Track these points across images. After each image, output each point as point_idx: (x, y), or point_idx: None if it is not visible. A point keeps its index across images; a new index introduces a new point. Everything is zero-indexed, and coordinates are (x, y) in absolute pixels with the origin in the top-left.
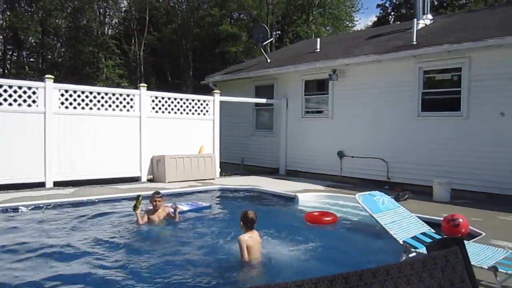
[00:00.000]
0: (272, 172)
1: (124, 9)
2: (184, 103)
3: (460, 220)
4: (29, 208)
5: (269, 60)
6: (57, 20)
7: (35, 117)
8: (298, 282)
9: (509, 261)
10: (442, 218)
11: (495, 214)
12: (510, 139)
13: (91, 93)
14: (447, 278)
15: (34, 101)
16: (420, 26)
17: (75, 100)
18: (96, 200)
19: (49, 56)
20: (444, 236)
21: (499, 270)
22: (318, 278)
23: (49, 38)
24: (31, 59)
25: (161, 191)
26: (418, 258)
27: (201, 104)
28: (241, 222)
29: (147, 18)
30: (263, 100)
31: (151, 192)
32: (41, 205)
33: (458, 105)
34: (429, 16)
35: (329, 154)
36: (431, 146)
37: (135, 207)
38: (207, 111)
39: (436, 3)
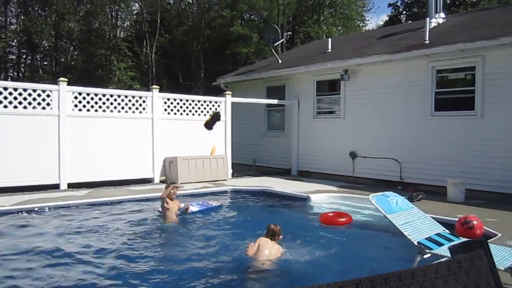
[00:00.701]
0: (284, 173)
1: (135, 12)
2: (196, 104)
3: (474, 222)
4: (47, 209)
5: (280, 61)
6: (70, 24)
7: (49, 119)
8: (325, 286)
9: None
10: (456, 219)
11: (511, 214)
12: None
13: (104, 95)
14: (472, 282)
15: (48, 104)
16: (433, 25)
17: (88, 102)
18: (110, 202)
19: (62, 59)
20: (469, 239)
21: None
22: (344, 282)
23: (62, 41)
24: (45, 62)
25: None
26: (443, 262)
27: (213, 105)
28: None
29: (159, 20)
30: (275, 101)
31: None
32: (55, 207)
33: (472, 105)
34: (442, 14)
35: (341, 155)
36: (444, 146)
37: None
38: None
39: (448, 1)
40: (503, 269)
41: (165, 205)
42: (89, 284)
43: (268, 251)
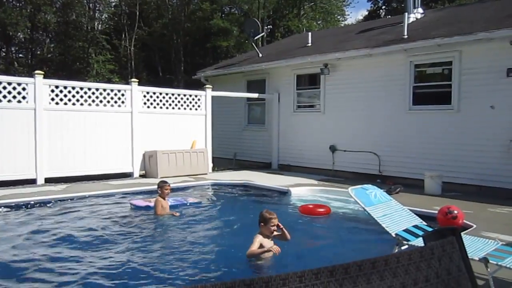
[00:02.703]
0: (264, 166)
1: (114, 4)
2: (176, 98)
3: (456, 212)
4: (20, 205)
5: (260, 55)
6: (46, 15)
7: (25, 113)
8: (299, 273)
9: (499, 253)
10: (433, 211)
11: (486, 206)
12: (500, 132)
13: (81, 88)
14: (444, 268)
15: (24, 97)
16: (411, 20)
17: (65, 96)
18: (88, 196)
19: (38, 52)
20: (441, 227)
21: (490, 261)
22: (319, 269)
23: (38, 33)
24: (20, 55)
25: (154, 187)
26: (416, 249)
27: (193, 99)
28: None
29: (138, 12)
30: (255, 95)
31: (147, 187)
32: (32, 202)
33: (448, 99)
34: (420, 10)
35: (321, 148)
36: (422, 139)
37: None
38: (199, 106)
39: None
40: (477, 259)
41: (159, 205)
42: (78, 278)
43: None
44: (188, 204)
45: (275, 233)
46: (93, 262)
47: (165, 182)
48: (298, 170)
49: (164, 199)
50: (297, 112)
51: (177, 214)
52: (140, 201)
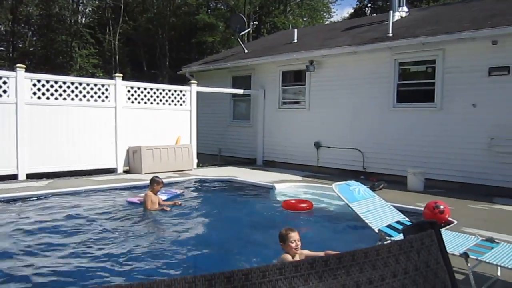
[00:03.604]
0: (249, 162)
1: None
2: (161, 93)
3: (443, 207)
4: (2, 201)
5: (246, 51)
6: (28, 8)
7: (6, 107)
8: (278, 265)
9: (479, 248)
10: (416, 207)
11: (466, 202)
12: (481, 130)
13: (64, 83)
14: (423, 260)
15: (4, 91)
16: (396, 18)
17: (48, 90)
18: (71, 192)
19: (20, 45)
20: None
21: (470, 256)
22: (299, 261)
23: (20, 26)
24: (1, 48)
25: (138, 183)
26: (396, 242)
27: (178, 95)
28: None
29: (122, 6)
30: (240, 91)
31: (131, 183)
32: (14, 198)
33: (432, 97)
34: (405, 8)
35: (306, 145)
36: (405, 136)
37: None
38: (184, 101)
39: None
40: (458, 254)
41: (149, 199)
42: (67, 271)
43: None
44: (182, 195)
45: None
46: (76, 258)
47: (160, 179)
48: (283, 166)
49: (155, 194)
50: (282, 108)
51: (168, 208)
52: (135, 199)
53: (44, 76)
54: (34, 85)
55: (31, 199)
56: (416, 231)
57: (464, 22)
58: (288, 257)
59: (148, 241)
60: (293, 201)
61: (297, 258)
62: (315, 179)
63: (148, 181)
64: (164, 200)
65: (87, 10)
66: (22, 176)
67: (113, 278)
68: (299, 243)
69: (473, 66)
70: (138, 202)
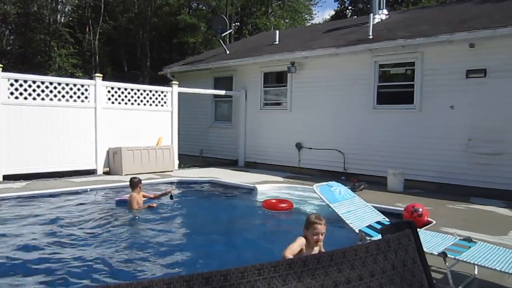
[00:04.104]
0: (231, 164)
1: None
2: (142, 94)
3: (421, 210)
4: None
5: (228, 52)
6: (5, 6)
7: None
8: (257, 266)
9: (457, 247)
10: (395, 207)
11: (445, 203)
12: (459, 131)
13: (43, 83)
14: (400, 260)
15: None
16: (376, 20)
17: (25, 90)
18: (50, 194)
19: None
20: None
21: (448, 256)
22: (277, 261)
23: None
24: None
25: (118, 184)
26: (373, 242)
27: (159, 95)
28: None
29: (102, 6)
30: (222, 92)
31: (111, 184)
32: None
33: (411, 98)
34: (385, 11)
35: (288, 146)
36: (386, 138)
37: None
38: (165, 102)
39: None
40: (436, 253)
41: (135, 201)
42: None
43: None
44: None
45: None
46: (60, 260)
47: (137, 178)
48: (264, 168)
49: (138, 193)
50: (264, 109)
51: (155, 205)
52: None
53: (21, 76)
54: (12, 85)
55: (7, 200)
56: (394, 231)
57: (442, 25)
58: (302, 240)
59: (126, 243)
60: (274, 201)
61: (316, 250)
62: (297, 180)
63: (126, 183)
64: (146, 200)
65: (66, 9)
66: None
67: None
68: (321, 237)
69: (451, 69)
70: (154, 203)
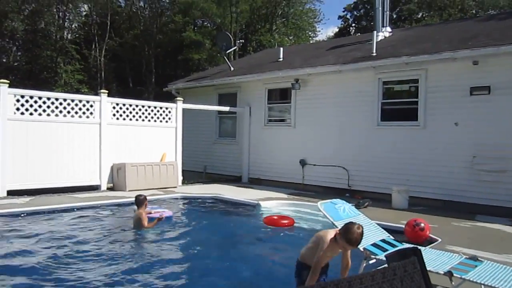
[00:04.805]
0: (235, 180)
1: (84, 13)
2: (146, 110)
3: (423, 225)
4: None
5: (232, 68)
6: (13, 23)
7: None
8: None
9: (463, 266)
10: (400, 225)
11: (450, 220)
12: (463, 148)
13: (48, 98)
14: None
15: None
16: (380, 38)
17: (31, 106)
18: (53, 210)
19: (4, 60)
20: (403, 247)
21: (454, 275)
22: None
23: (5, 41)
24: None
25: (122, 200)
26: (379, 270)
27: (164, 112)
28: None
29: (109, 23)
30: (226, 108)
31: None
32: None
33: (415, 115)
34: (388, 28)
35: (292, 162)
36: (390, 154)
37: None
38: (169, 118)
39: (394, 16)
40: (442, 273)
41: (145, 220)
42: None
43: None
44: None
45: None
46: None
47: (144, 195)
48: (268, 184)
49: (144, 211)
50: (268, 126)
51: (163, 217)
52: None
53: (28, 92)
54: (18, 100)
55: (11, 216)
56: (399, 258)
57: (445, 42)
58: (329, 238)
59: (132, 261)
60: (275, 217)
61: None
62: (301, 197)
63: (132, 199)
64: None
65: (73, 26)
66: (2, 193)
67: None
68: (349, 252)
69: (455, 86)
70: (159, 216)
